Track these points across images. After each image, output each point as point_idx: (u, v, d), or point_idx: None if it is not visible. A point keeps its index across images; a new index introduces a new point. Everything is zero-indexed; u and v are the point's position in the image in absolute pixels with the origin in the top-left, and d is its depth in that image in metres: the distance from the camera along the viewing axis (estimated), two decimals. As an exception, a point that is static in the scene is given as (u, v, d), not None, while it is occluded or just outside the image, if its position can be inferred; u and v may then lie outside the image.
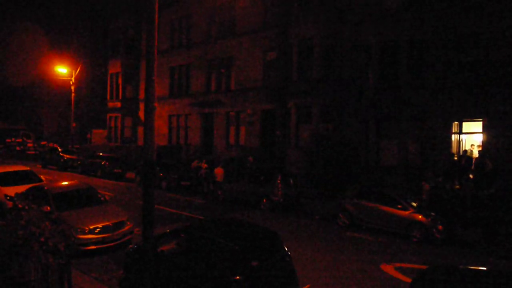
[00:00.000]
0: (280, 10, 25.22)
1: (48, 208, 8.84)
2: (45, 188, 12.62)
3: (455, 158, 18.72)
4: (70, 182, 13.98)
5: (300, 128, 23.60)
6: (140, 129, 34.65)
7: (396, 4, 20.69)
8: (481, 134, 18.80)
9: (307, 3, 23.23)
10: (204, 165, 22.43)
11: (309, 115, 22.93)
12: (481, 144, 18.70)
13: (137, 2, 35.38)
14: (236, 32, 28.17)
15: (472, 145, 18.90)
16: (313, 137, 22.58)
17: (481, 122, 18.77)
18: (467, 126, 19.48)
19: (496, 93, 18.08)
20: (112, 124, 38.36)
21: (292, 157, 23.44)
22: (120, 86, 36.72)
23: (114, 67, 37.19)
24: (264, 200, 17.95)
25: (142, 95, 33.15)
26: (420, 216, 13.57)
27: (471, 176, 16.66)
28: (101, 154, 30.06)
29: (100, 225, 11.20)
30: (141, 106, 34.30)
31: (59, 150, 33.35)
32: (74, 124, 39.14)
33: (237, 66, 28.11)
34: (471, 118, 19.16)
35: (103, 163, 27.89)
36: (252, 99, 26.97)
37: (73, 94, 37.07)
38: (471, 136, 19.46)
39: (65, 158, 31.67)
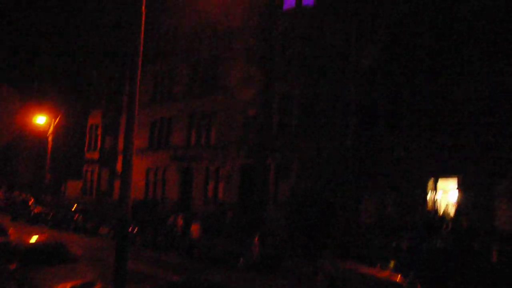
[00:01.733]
0: (262, 67, 25.97)
1: (14, 265, 8.41)
2: (12, 243, 12.05)
3: (432, 215, 18.85)
4: (39, 237, 13.43)
5: (279, 184, 23.59)
6: (117, 182, 34.03)
7: (372, 63, 21.59)
8: (456, 191, 19.07)
9: (288, 61, 24.02)
10: (180, 222, 21.97)
11: (288, 171, 23.03)
12: (456, 202, 18.92)
13: (121, 55, 36.00)
14: (218, 87, 28.73)
15: (451, 203, 19.12)
16: (292, 194, 22.53)
17: (456, 180, 19.11)
18: (442, 183, 19.78)
19: (470, 151, 18.56)
20: (88, 176, 37.67)
21: (270, 214, 23.21)
22: (99, 137, 36.51)
23: (95, 118, 37.12)
24: (241, 260, 17.48)
25: (121, 146, 32.89)
26: (398, 277, 13.39)
27: (446, 234, 16.72)
28: (74, 207, 29.22)
29: (68, 286, 10.62)
30: (120, 158, 33.92)
31: (31, 201, 32.31)
32: (48, 175, 38.25)
33: (218, 120, 28.41)
34: (447, 176, 19.50)
35: (76, 217, 27.05)
36: (232, 154, 27.04)
37: (49, 144, 36.53)
38: (446, 194, 19.72)
39: (35, 212, 30.57)
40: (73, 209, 28.75)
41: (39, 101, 44.56)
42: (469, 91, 18.83)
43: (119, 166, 33.44)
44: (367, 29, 22.00)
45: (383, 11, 21.58)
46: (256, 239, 17.22)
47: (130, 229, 20.06)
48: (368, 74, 21.59)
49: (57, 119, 37.33)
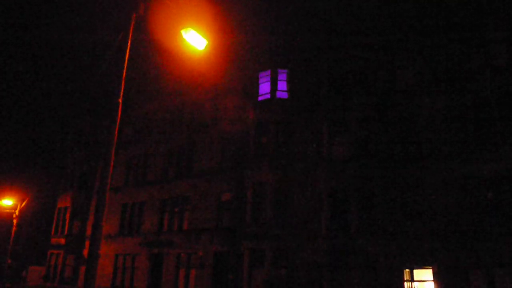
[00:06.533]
0: (236, 154, 26.33)
1: None
2: None
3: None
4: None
5: (253, 272, 22.80)
6: (82, 269, 32.25)
7: (344, 154, 22.23)
8: (432, 283, 18.82)
9: (262, 149, 24.50)
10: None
11: (262, 259, 22.41)
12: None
13: (94, 140, 36.06)
14: (192, 173, 28.71)
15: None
16: (266, 284, 21.73)
17: (431, 270, 18.95)
18: (418, 273, 19.55)
19: (444, 241, 18.64)
20: (53, 261, 35.63)
21: (244, 304, 22.12)
22: (67, 221, 35.15)
23: (64, 201, 36.06)
24: None
25: (89, 231, 31.66)
26: None
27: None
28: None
29: None
30: (87, 244, 32.49)
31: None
32: (9, 261, 36.02)
33: (192, 206, 27.99)
34: (422, 266, 19.35)
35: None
36: (205, 241, 26.31)
37: (14, 228, 34.87)
38: (422, 284, 19.41)
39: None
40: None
41: (7, 183, 43.37)
42: (442, 180, 19.41)
43: (85, 252, 31.90)
44: (338, 120, 22.96)
45: (355, 104, 22.72)
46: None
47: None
48: (340, 163, 22.13)
49: (25, 202, 36.10)
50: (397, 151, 20.94)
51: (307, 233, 21.94)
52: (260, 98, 25.71)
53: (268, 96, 25.28)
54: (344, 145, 22.46)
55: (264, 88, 25.82)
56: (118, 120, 10.41)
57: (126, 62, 10.68)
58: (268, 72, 25.86)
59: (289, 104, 24.80)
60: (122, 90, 10.50)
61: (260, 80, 26.17)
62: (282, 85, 25.38)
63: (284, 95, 25.15)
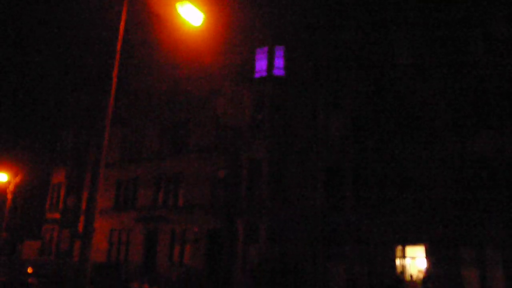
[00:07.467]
0: (232, 131, 26.25)
1: None
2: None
3: (397, 280, 18.72)
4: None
5: (248, 248, 23.05)
6: (78, 243, 32.48)
7: (340, 132, 22.23)
8: (423, 259, 19.13)
9: (257, 126, 24.42)
10: (146, 286, 20.91)
11: (256, 235, 22.63)
12: (425, 269, 18.92)
13: (89, 115, 35.79)
14: (187, 149, 28.67)
15: (419, 270, 19.10)
16: (260, 261, 22.00)
17: (423, 247, 19.23)
18: (410, 250, 19.84)
19: (437, 218, 18.88)
20: (48, 236, 35.86)
21: (239, 279, 22.44)
22: (62, 197, 35.22)
23: (58, 177, 36.03)
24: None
25: (84, 206, 31.76)
26: None
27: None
28: (29, 269, 27.41)
29: None
30: (82, 219, 32.63)
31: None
32: (4, 234, 36.20)
33: (186, 182, 28.05)
34: (414, 243, 19.61)
35: (30, 280, 25.28)
36: (200, 217, 26.49)
37: (8, 202, 34.91)
38: (414, 260, 19.72)
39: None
40: (29, 271, 26.92)
41: (1, 158, 43.19)
42: (437, 158, 19.51)
43: (81, 227, 32.08)
44: (335, 98, 22.87)
45: (352, 81, 22.59)
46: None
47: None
48: (336, 140, 22.15)
49: (19, 177, 36.05)
50: (393, 129, 20.95)
51: (302, 210, 22.11)
52: (256, 75, 25.48)
53: (265, 73, 25.06)
54: (340, 122, 22.44)
55: (261, 65, 25.57)
56: (113, 94, 10.28)
57: (120, 35, 10.48)
58: (265, 48, 25.57)
59: (286, 81, 24.62)
60: (116, 64, 10.34)
61: (257, 57, 25.89)
62: (279, 62, 25.14)
63: (281, 72, 24.93)
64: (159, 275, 26.27)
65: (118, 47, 10.36)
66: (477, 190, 18.76)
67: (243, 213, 23.29)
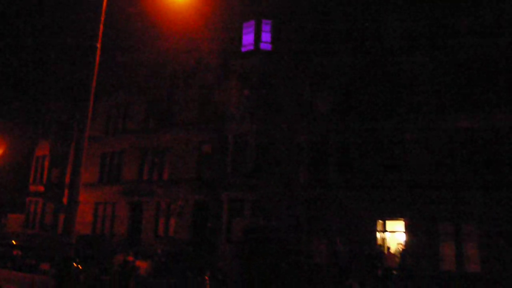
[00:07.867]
0: (218, 105, 26.17)
1: None
2: None
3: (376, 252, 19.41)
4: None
5: (232, 221, 23.36)
6: (62, 216, 32.48)
7: (325, 106, 22.37)
8: (403, 233, 19.69)
9: (244, 101, 24.41)
10: (131, 258, 21.11)
11: (241, 209, 22.92)
12: (404, 243, 19.50)
13: (73, 87, 35.23)
14: (173, 123, 28.55)
15: (399, 243, 19.69)
16: (245, 233, 22.32)
17: (403, 221, 19.76)
18: (390, 224, 20.38)
19: (417, 194, 19.32)
20: (32, 209, 35.73)
21: (223, 252, 22.81)
22: (46, 170, 34.96)
23: (42, 149, 35.66)
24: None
25: (68, 179, 31.61)
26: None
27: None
28: (13, 242, 27.47)
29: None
30: (66, 192, 32.52)
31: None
32: (-13, 208, 36.01)
33: (172, 156, 28.06)
34: (394, 217, 20.13)
35: (15, 252, 25.37)
36: (185, 190, 26.63)
37: (-9, 176, 34.57)
38: (394, 234, 20.29)
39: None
40: (14, 243, 27.01)
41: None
42: (421, 135, 19.83)
43: (65, 200, 32.00)
44: (322, 73, 22.91)
45: (338, 58, 22.58)
46: (207, 277, 16.82)
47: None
48: (321, 116, 22.30)
49: (1, 149, 35.59)
50: (379, 106, 21.12)
51: (287, 184, 22.40)
52: (243, 49, 25.28)
53: (252, 47, 24.85)
54: (326, 98, 22.55)
55: (248, 39, 25.33)
56: (97, 65, 10.17)
57: (104, 5, 10.30)
58: (252, 22, 25.29)
59: (273, 56, 24.48)
60: (100, 34, 10.20)
61: (244, 31, 25.62)
62: (266, 37, 24.93)
63: (268, 47, 24.75)
64: (144, 248, 26.52)
65: (102, 18, 10.20)
66: (456, 167, 19.19)
67: (228, 186, 23.50)
